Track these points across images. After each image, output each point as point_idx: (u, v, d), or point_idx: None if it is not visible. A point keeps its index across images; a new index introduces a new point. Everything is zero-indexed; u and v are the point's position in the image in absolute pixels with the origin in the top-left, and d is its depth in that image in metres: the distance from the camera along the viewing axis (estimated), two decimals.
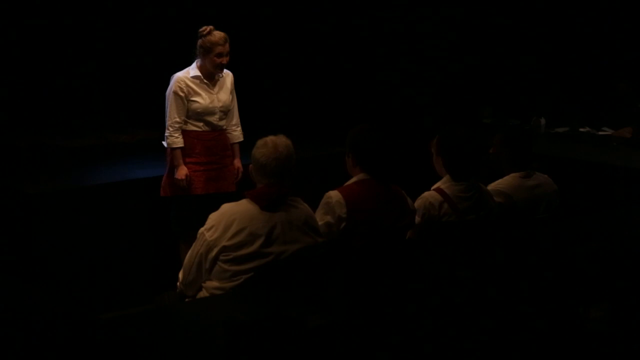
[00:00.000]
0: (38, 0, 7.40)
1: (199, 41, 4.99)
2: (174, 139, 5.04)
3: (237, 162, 5.28)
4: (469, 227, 3.94)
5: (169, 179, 5.11)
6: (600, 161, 5.95)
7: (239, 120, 5.31)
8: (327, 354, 2.34)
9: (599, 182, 5.71)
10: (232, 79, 5.22)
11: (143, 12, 7.71)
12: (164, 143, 5.13)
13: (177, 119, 5.03)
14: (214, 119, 5.12)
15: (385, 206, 3.76)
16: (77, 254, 5.15)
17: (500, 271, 3.14)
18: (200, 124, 5.10)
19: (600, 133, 6.93)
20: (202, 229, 3.39)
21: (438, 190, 3.99)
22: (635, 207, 4.56)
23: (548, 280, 2.98)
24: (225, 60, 5.01)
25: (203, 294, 3.39)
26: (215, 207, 3.44)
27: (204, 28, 4.99)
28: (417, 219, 3.92)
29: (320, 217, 3.66)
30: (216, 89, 5.11)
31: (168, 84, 5.08)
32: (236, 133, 5.29)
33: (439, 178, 4.08)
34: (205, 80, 5.06)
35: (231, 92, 5.21)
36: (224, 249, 3.31)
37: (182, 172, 5.03)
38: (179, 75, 5.05)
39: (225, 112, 5.18)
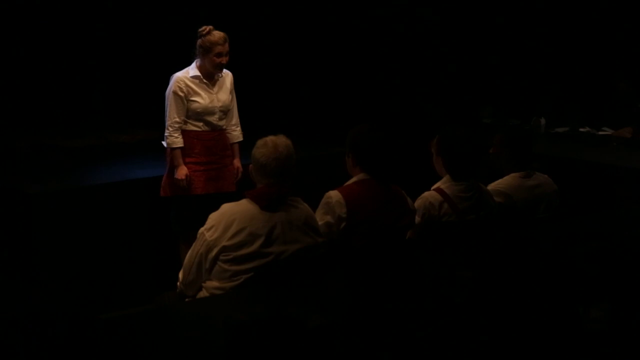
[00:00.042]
0: (38, 0, 7.41)
1: (199, 41, 4.99)
2: (173, 139, 5.04)
3: (237, 162, 5.28)
4: (469, 227, 3.94)
5: (169, 179, 5.11)
6: (600, 161, 5.95)
7: (238, 120, 5.31)
8: (327, 354, 2.34)
9: (599, 182, 5.71)
10: (232, 78, 5.22)
11: (143, 12, 7.72)
12: (164, 143, 5.13)
13: (177, 119, 5.03)
14: (213, 118, 5.12)
15: (385, 206, 3.76)
16: (77, 253, 5.15)
17: (500, 271, 3.14)
18: (200, 124, 5.10)
19: (600, 133, 6.93)
20: (202, 229, 3.39)
21: (438, 190, 3.99)
22: (635, 207, 4.56)
23: (548, 280, 2.98)
24: (224, 60, 5.01)
25: (203, 294, 3.39)
26: (215, 207, 3.44)
27: (203, 28, 4.99)
28: (417, 219, 3.92)
29: (320, 217, 3.66)
30: (216, 88, 5.11)
31: (168, 84, 5.08)
32: (236, 133, 5.29)
33: (439, 178, 4.08)
34: (204, 80, 5.06)
35: (231, 92, 5.21)
36: (224, 249, 3.31)
37: (182, 172, 5.03)
38: (179, 75, 5.05)
39: (225, 111, 5.18)
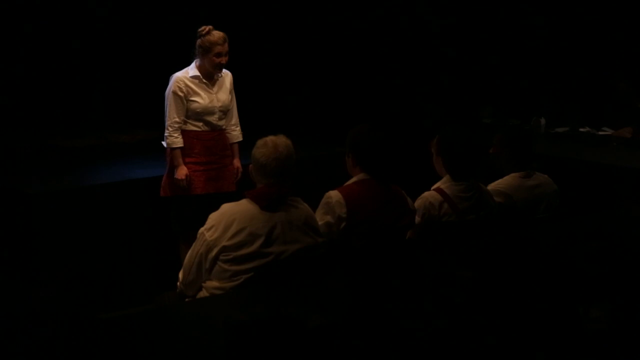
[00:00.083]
0: (38, 0, 7.41)
1: (198, 41, 4.99)
2: (173, 139, 5.04)
3: (237, 162, 5.28)
4: (469, 227, 3.94)
5: (169, 179, 5.11)
6: (600, 161, 5.95)
7: (238, 120, 5.31)
8: (327, 354, 2.34)
9: (599, 182, 5.70)
10: (231, 78, 5.22)
11: (143, 12, 7.72)
12: (164, 143, 5.13)
13: (177, 119, 5.03)
14: (213, 118, 5.12)
15: (385, 206, 3.76)
16: (77, 253, 5.15)
17: (500, 271, 3.14)
18: (200, 124, 5.10)
19: (600, 133, 6.93)
20: (202, 229, 3.39)
21: (438, 190, 3.99)
22: (635, 207, 4.56)
23: (548, 280, 2.98)
24: (224, 60, 5.01)
25: (203, 294, 3.39)
26: (215, 207, 3.44)
27: (203, 28, 4.99)
28: (417, 219, 3.92)
29: (320, 217, 3.66)
30: (215, 88, 5.11)
31: (168, 84, 5.08)
32: (235, 133, 5.29)
33: (439, 178, 4.08)
34: (204, 80, 5.06)
35: (230, 92, 5.21)
36: (224, 249, 3.31)
37: (181, 172, 5.03)
38: (178, 75, 5.05)
39: (225, 111, 5.18)
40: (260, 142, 3.48)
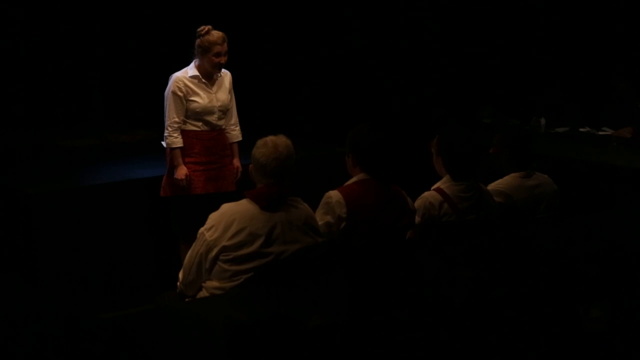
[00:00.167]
0: (38, 1, 7.41)
1: (197, 41, 4.99)
2: (173, 138, 5.04)
3: (237, 162, 5.28)
4: (469, 227, 3.94)
5: (169, 179, 5.11)
6: (600, 161, 5.95)
7: (237, 119, 5.31)
8: (327, 354, 2.34)
9: (599, 182, 5.70)
10: (231, 78, 5.22)
11: (142, 12, 7.72)
12: (163, 143, 5.13)
13: (176, 119, 5.03)
14: (212, 118, 5.12)
15: (385, 206, 3.76)
16: (77, 253, 5.15)
17: (500, 271, 3.14)
18: (199, 124, 5.10)
19: (600, 133, 6.92)
20: (202, 229, 3.39)
21: (438, 190, 3.99)
22: (635, 207, 4.56)
23: (548, 280, 2.98)
24: (223, 59, 5.01)
25: (203, 294, 3.39)
26: (215, 207, 3.44)
27: (202, 27, 4.99)
28: (417, 219, 3.92)
29: (320, 217, 3.66)
30: (215, 88, 5.11)
31: (167, 84, 5.08)
32: (235, 132, 5.29)
33: (439, 178, 4.08)
34: (203, 80, 5.06)
35: (230, 92, 5.21)
36: (224, 249, 3.31)
37: (181, 172, 5.03)
38: (178, 75, 5.05)
39: (224, 111, 5.18)
40: (260, 142, 3.48)
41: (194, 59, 5.06)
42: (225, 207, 3.41)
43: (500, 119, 7.56)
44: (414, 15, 7.94)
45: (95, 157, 6.38)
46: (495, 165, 4.44)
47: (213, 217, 3.39)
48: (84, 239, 5.20)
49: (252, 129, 5.05)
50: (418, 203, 3.96)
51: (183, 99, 5.02)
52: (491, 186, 4.28)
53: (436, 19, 7.97)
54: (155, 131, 5.99)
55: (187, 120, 5.07)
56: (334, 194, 3.70)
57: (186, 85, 5.02)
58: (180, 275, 3.49)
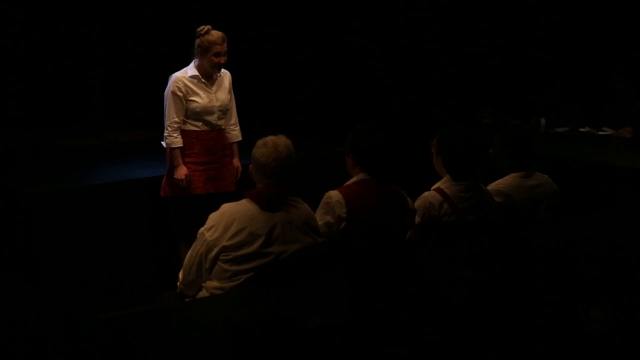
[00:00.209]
0: (38, 1, 7.41)
1: (197, 40, 4.99)
2: (172, 138, 5.04)
3: (236, 162, 5.28)
4: (469, 227, 3.94)
5: (169, 179, 5.11)
6: (600, 161, 5.95)
7: (237, 119, 5.31)
8: (327, 354, 2.34)
9: (599, 182, 5.71)
10: (230, 78, 5.22)
11: (142, 12, 7.72)
12: (163, 143, 5.13)
13: (176, 119, 5.03)
14: (212, 118, 5.12)
15: (385, 206, 3.76)
16: (77, 253, 5.15)
17: (500, 271, 3.14)
18: (199, 124, 5.10)
19: (600, 133, 6.93)
20: (202, 229, 3.39)
21: (438, 190, 3.99)
22: (635, 207, 4.56)
23: (548, 280, 2.98)
24: (223, 59, 5.01)
25: (203, 294, 3.39)
26: (215, 207, 3.44)
27: (201, 27, 4.99)
28: (417, 219, 3.92)
29: (320, 217, 3.66)
30: (214, 88, 5.11)
31: (167, 84, 5.08)
32: (235, 132, 5.29)
33: (439, 178, 4.08)
34: (203, 80, 5.06)
35: (229, 92, 5.21)
36: (224, 249, 3.31)
37: (181, 172, 5.03)
38: (177, 75, 5.05)
39: (224, 111, 5.18)
40: (260, 142, 3.47)
41: (193, 59, 5.06)
42: (225, 207, 3.41)
43: (500, 119, 7.56)
44: (413, 15, 7.94)
45: (95, 157, 6.37)
46: (495, 165, 4.44)
47: (213, 217, 3.39)
48: (84, 239, 5.20)
49: (252, 129, 5.06)
50: (418, 203, 3.96)
51: (183, 99, 5.02)
52: (491, 186, 4.28)
53: (436, 19, 7.97)
54: (155, 131, 5.99)
55: (187, 120, 5.07)
56: (334, 194, 3.70)
57: (186, 85, 5.02)
58: (180, 275, 3.49)
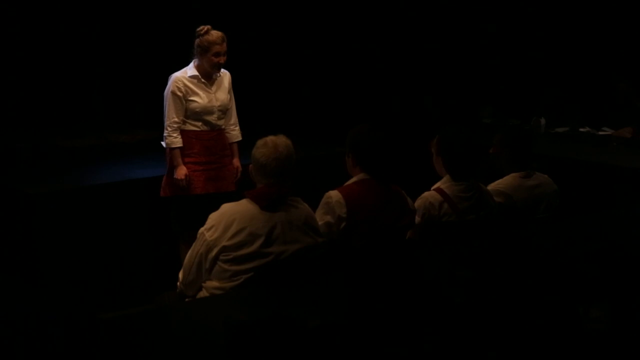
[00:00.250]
0: (38, 1, 7.41)
1: (197, 40, 4.99)
2: (172, 139, 5.04)
3: (236, 162, 5.28)
4: (469, 227, 3.93)
5: (169, 179, 5.11)
6: (600, 161, 5.95)
7: (237, 119, 5.31)
8: (327, 355, 2.34)
9: (599, 182, 5.71)
10: (230, 78, 5.22)
11: (142, 12, 7.72)
12: (163, 143, 5.13)
13: (176, 119, 5.03)
14: (212, 118, 5.12)
15: (385, 206, 3.76)
16: (77, 253, 5.15)
17: (500, 271, 3.14)
18: (199, 124, 5.10)
19: (600, 133, 6.93)
20: (202, 229, 3.39)
21: (438, 190, 3.99)
22: (635, 207, 4.56)
23: (548, 280, 2.98)
24: (222, 59, 5.01)
25: (203, 294, 3.39)
26: (215, 207, 3.44)
27: (201, 27, 4.99)
28: (417, 219, 3.92)
29: (320, 217, 3.66)
30: (214, 88, 5.11)
31: (167, 84, 5.08)
32: (235, 132, 5.29)
33: (439, 178, 4.08)
34: (203, 80, 5.06)
35: (229, 92, 5.21)
36: (224, 249, 3.31)
37: (181, 172, 5.03)
38: (177, 75, 5.05)
39: (224, 111, 5.18)
40: (260, 142, 3.47)
41: (193, 59, 5.06)
42: (225, 207, 3.41)
43: (500, 119, 7.56)
44: (413, 16, 7.94)
45: (95, 157, 6.37)
46: (495, 165, 4.44)
47: (213, 217, 3.39)
48: (84, 239, 5.20)
49: (252, 129, 5.05)
50: (418, 203, 3.96)
51: (182, 99, 5.02)
52: (491, 186, 4.28)
53: (436, 19, 7.97)
54: (155, 131, 6.00)
55: (187, 120, 5.07)
56: (334, 194, 3.70)
57: (185, 85, 5.02)
58: (180, 275, 3.49)
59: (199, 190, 5.09)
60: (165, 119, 5.06)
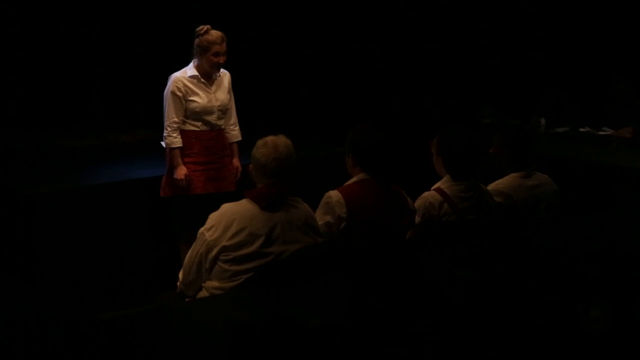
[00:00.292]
0: (38, 1, 7.41)
1: (196, 40, 4.99)
2: (172, 139, 5.04)
3: (236, 162, 5.28)
4: (469, 227, 3.93)
5: (169, 179, 5.11)
6: (600, 161, 5.95)
7: (237, 119, 5.31)
8: (327, 355, 2.34)
9: (599, 182, 5.71)
10: (230, 78, 5.22)
11: (142, 12, 7.72)
12: (163, 143, 5.13)
13: (176, 119, 5.03)
14: (212, 118, 5.12)
15: (385, 206, 3.76)
16: (77, 254, 5.15)
17: (500, 271, 3.14)
18: (199, 124, 5.10)
19: (600, 133, 6.93)
20: (202, 229, 3.39)
21: (438, 190, 3.99)
22: (635, 207, 4.56)
23: (548, 280, 2.98)
24: (222, 59, 5.01)
25: (203, 294, 3.39)
26: (215, 207, 3.44)
27: (201, 27, 4.99)
28: (417, 219, 3.92)
29: (320, 217, 3.66)
30: (214, 88, 5.11)
31: (167, 84, 5.08)
32: (234, 132, 5.29)
33: (439, 178, 4.08)
34: (202, 80, 5.06)
35: (229, 92, 5.21)
36: (224, 249, 3.31)
37: (181, 172, 5.03)
38: (177, 75, 5.05)
39: (224, 111, 5.18)
40: (260, 142, 3.47)
41: (193, 59, 5.06)
42: (225, 207, 3.41)
43: (500, 119, 7.56)
44: (413, 16, 7.94)
45: (95, 157, 6.37)
46: (495, 165, 4.44)
47: (213, 217, 3.39)
48: (84, 239, 5.20)
49: (252, 129, 5.05)
50: (418, 203, 3.96)
51: (182, 99, 5.02)
52: (491, 186, 4.28)
53: (436, 19, 7.97)
54: (155, 131, 6.00)
55: (187, 120, 5.07)
56: (334, 194, 3.70)
57: (185, 85, 5.02)
58: (180, 275, 3.49)
59: (198, 190, 5.09)
60: (165, 119, 5.06)
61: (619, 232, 3.74)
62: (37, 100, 7.50)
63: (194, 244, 3.43)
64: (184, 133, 5.07)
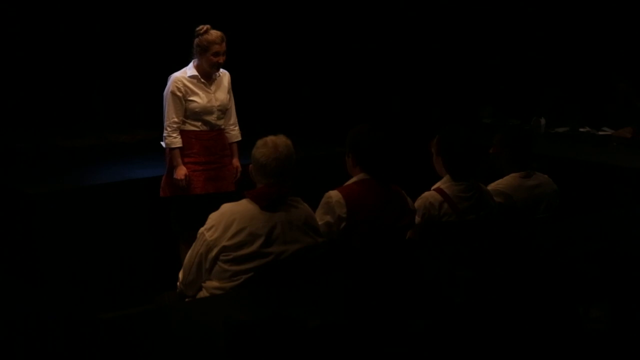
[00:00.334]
0: (38, 1, 7.41)
1: (196, 40, 4.99)
2: (172, 139, 5.04)
3: (236, 162, 5.28)
4: (469, 227, 3.93)
5: (168, 179, 5.11)
6: (600, 161, 5.95)
7: (236, 119, 5.31)
8: (327, 355, 2.34)
9: (599, 182, 5.71)
10: (229, 78, 5.22)
11: (142, 12, 7.72)
12: (162, 144, 5.13)
13: (175, 119, 5.03)
14: (212, 118, 5.12)
15: (385, 206, 3.76)
16: (77, 254, 5.15)
17: (500, 271, 3.14)
18: (199, 124, 5.10)
19: (600, 133, 6.93)
20: (202, 229, 3.39)
21: (438, 190, 3.99)
22: (635, 207, 4.56)
23: (548, 280, 2.98)
24: (222, 59, 5.01)
25: (203, 294, 3.39)
26: (215, 207, 3.44)
27: (200, 27, 4.99)
28: (417, 219, 3.92)
29: (320, 217, 3.66)
30: (213, 88, 5.11)
31: (167, 84, 5.08)
32: (234, 132, 5.29)
33: (439, 178, 4.08)
34: (202, 80, 5.06)
35: (228, 92, 5.21)
36: (224, 249, 3.31)
37: (181, 172, 5.03)
38: (176, 75, 5.05)
39: (223, 111, 5.18)
40: (260, 142, 3.48)
41: (192, 59, 5.06)
42: (225, 207, 3.41)
43: (500, 119, 7.56)
44: (413, 16, 7.94)
45: (95, 157, 6.37)
46: (495, 165, 4.44)
47: (213, 217, 3.39)
48: (84, 239, 5.20)
49: (252, 129, 5.05)
50: (418, 203, 3.96)
51: (182, 99, 5.02)
52: (491, 186, 4.28)
53: (436, 19, 7.97)
54: (155, 131, 6.00)
55: (186, 120, 5.07)
56: (334, 194, 3.70)
57: (185, 86, 5.02)
58: (180, 275, 3.49)
59: (198, 190, 5.09)
60: (165, 119, 5.06)
61: (619, 232, 3.75)
62: (37, 100, 7.50)
63: (194, 244, 3.43)
64: (183, 133, 5.07)
